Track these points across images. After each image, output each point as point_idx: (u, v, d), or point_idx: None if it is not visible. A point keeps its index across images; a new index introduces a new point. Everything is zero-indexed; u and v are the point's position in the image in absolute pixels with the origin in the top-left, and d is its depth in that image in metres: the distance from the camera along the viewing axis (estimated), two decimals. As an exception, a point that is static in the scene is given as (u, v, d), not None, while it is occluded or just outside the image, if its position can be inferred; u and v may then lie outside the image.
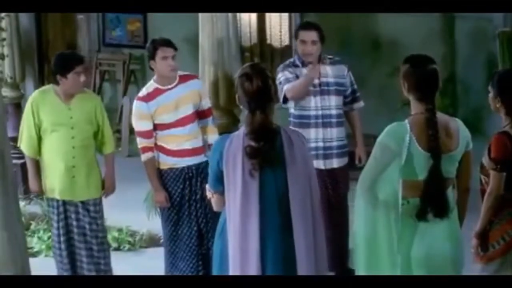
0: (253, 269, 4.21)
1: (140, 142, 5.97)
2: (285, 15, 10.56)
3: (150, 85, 5.96)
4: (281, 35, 10.74)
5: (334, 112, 6.20)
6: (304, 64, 6.20)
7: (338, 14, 8.20)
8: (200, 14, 6.65)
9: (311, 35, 6.16)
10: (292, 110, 6.25)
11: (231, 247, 4.27)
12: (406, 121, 4.29)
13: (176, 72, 5.93)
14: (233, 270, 4.27)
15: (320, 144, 6.16)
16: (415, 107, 4.35)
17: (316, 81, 6.16)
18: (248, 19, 10.73)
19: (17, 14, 8.86)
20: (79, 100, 5.93)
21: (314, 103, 6.16)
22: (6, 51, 8.61)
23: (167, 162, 5.98)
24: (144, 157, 5.96)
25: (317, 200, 4.38)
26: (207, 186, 4.51)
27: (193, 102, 5.96)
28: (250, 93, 4.26)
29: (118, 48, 11.54)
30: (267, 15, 10.69)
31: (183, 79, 5.97)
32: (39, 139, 5.94)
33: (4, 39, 8.58)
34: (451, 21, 9.10)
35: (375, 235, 4.28)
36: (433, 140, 4.22)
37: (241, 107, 4.42)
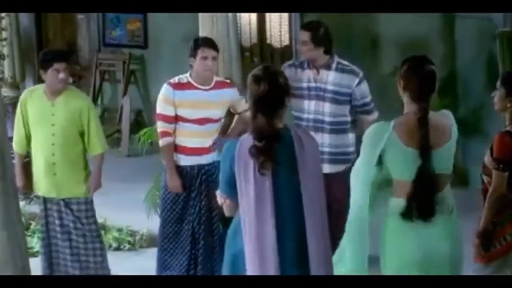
0: (271, 269, 4.19)
1: (160, 126, 5.94)
2: (285, 15, 10.55)
3: (184, 77, 5.95)
4: (281, 35, 10.73)
5: (327, 119, 6.12)
6: (309, 67, 6.15)
7: (338, 14, 8.20)
8: (200, 14, 6.64)
9: (303, 35, 6.14)
10: (292, 112, 6.23)
11: (247, 249, 4.23)
12: (392, 121, 4.31)
13: (211, 73, 5.92)
14: (252, 270, 4.24)
15: None
16: (408, 107, 4.36)
17: (313, 85, 6.13)
18: (248, 19, 10.73)
19: (17, 14, 8.88)
20: (65, 98, 5.91)
21: (307, 106, 6.14)
22: (6, 51, 8.61)
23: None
24: (162, 141, 5.93)
25: (324, 201, 4.37)
26: (218, 192, 4.42)
27: (222, 109, 5.98)
28: (255, 95, 4.25)
29: (118, 48, 11.54)
30: (267, 15, 10.68)
31: (219, 85, 5.98)
32: (28, 135, 5.99)
33: (4, 39, 8.58)
34: (452, 20, 9.09)
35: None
36: (424, 139, 4.24)
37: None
